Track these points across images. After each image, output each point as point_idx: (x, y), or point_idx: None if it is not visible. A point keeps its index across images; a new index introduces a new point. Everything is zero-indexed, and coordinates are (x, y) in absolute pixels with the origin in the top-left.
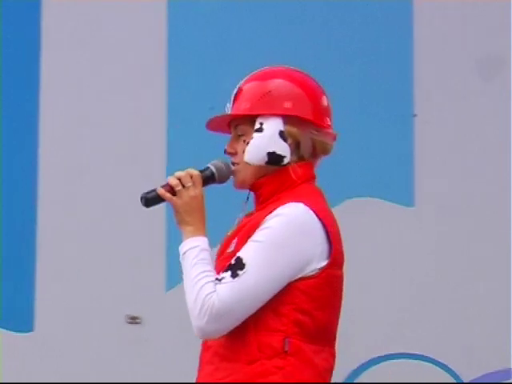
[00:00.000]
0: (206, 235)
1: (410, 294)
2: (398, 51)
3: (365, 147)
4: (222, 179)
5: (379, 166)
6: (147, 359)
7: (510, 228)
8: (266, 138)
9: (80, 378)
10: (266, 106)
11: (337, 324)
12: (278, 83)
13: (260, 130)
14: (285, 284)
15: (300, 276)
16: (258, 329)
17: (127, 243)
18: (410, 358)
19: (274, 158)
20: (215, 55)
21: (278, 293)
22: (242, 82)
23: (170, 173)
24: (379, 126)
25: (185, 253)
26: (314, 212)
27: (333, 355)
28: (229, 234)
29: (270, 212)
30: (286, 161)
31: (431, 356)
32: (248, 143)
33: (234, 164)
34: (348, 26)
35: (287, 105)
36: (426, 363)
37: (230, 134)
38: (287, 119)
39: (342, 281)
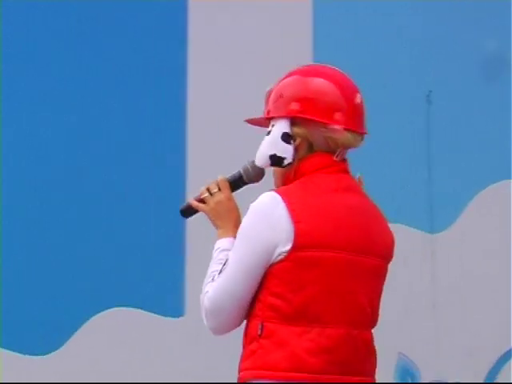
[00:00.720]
0: (235, 235)
1: None
2: None
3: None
4: (252, 180)
5: None
6: None
7: None
8: (269, 142)
9: (229, 362)
10: (277, 108)
11: (330, 306)
12: (290, 84)
13: (269, 133)
14: (261, 270)
15: (272, 261)
16: (248, 316)
17: None
18: None
19: (275, 160)
20: (359, 53)
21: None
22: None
23: None
24: None
25: (212, 254)
26: (282, 197)
27: (329, 336)
28: None
29: None
30: (286, 162)
31: None
32: None
33: None
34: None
35: (294, 106)
36: None
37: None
38: (295, 120)
39: (330, 261)
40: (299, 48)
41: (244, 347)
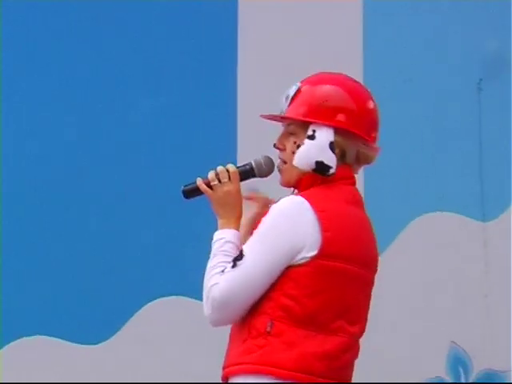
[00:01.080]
0: (238, 227)
1: None
2: None
3: None
4: (263, 174)
5: None
6: None
7: None
8: (317, 147)
9: None
10: (321, 115)
11: (337, 316)
12: (334, 93)
13: (312, 137)
14: (279, 271)
15: (291, 263)
16: (253, 311)
17: None
18: None
19: (321, 167)
20: (409, 46)
21: None
22: (301, 82)
23: None
24: None
25: (213, 243)
26: (310, 204)
27: (333, 343)
28: None
29: None
30: (331, 171)
31: None
32: (298, 146)
33: (281, 161)
34: None
35: (340, 117)
36: None
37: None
38: (338, 130)
39: (343, 272)
40: (349, 47)
41: (244, 341)
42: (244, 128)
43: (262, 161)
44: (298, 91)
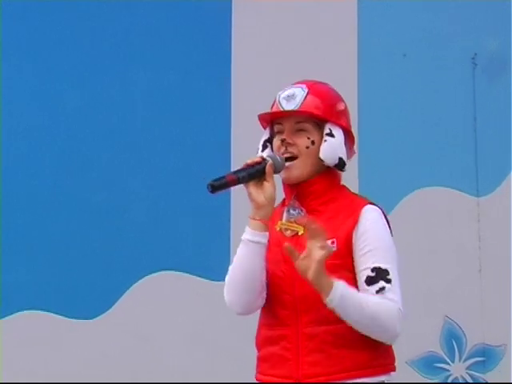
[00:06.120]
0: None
1: None
2: None
3: None
4: (277, 171)
5: None
6: None
7: None
8: (338, 144)
9: None
10: (334, 116)
11: None
12: (339, 98)
13: (332, 135)
14: None
15: None
16: None
17: None
18: None
19: (341, 163)
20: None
21: None
22: (306, 83)
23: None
24: None
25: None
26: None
27: None
28: (284, 226)
29: (338, 211)
30: (345, 168)
31: None
32: (313, 142)
33: (291, 156)
34: None
35: (346, 122)
36: None
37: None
38: (344, 133)
39: None
40: (344, 48)
41: (367, 347)
42: (238, 129)
43: (281, 160)
44: (309, 91)
